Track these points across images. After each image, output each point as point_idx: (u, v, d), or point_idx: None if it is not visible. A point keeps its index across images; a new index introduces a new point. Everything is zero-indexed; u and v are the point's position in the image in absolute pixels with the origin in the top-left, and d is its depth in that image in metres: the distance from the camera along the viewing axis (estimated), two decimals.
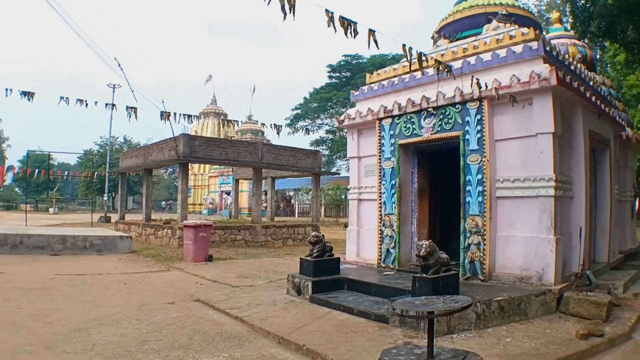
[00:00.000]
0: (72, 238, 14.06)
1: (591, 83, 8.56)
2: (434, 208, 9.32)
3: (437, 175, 9.34)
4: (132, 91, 11.70)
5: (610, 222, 8.81)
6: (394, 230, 8.82)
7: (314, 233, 8.39)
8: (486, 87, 5.89)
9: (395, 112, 8.81)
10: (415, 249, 9.00)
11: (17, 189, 69.98)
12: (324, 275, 7.90)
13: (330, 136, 56.46)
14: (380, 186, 9.18)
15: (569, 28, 13.25)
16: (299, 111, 56.31)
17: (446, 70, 5.26)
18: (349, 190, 10.34)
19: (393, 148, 8.93)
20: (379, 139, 9.21)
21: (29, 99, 9.96)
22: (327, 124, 55.22)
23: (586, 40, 11.52)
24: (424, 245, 5.92)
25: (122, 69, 11.91)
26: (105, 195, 43.77)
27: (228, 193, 50.13)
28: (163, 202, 66.48)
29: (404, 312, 4.30)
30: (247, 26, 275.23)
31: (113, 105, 11.07)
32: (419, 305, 4.33)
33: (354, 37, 4.44)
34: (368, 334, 5.68)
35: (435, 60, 5.24)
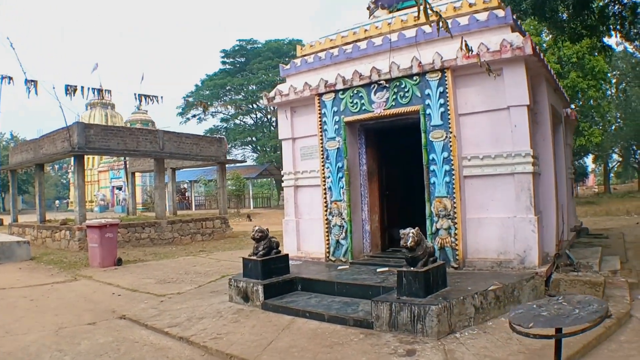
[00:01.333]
0: None
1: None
2: (382, 191, 8.59)
3: (384, 155, 8.60)
4: (25, 73, 9.62)
5: (567, 199, 8.69)
6: (343, 218, 7.91)
7: (257, 228, 7.23)
8: (472, 51, 5.17)
9: (340, 86, 7.85)
10: (367, 239, 8.25)
11: None
12: (274, 276, 6.80)
13: (225, 125, 54.06)
14: (323, 170, 8.20)
15: None
16: (190, 99, 53.10)
17: (445, 27, 4.42)
18: (282, 176, 9.22)
19: (338, 127, 7.98)
20: (320, 117, 8.21)
21: None
22: (220, 112, 52.84)
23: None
24: (411, 234, 5.07)
25: (14, 49, 9.81)
26: None
27: (119, 188, 46.32)
28: (57, 201, 60.13)
29: (560, 332, 3.28)
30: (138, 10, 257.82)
31: (10, 78, 8.92)
32: (552, 318, 3.40)
33: None
34: (356, 345, 4.73)
35: (436, 12, 4.38)
